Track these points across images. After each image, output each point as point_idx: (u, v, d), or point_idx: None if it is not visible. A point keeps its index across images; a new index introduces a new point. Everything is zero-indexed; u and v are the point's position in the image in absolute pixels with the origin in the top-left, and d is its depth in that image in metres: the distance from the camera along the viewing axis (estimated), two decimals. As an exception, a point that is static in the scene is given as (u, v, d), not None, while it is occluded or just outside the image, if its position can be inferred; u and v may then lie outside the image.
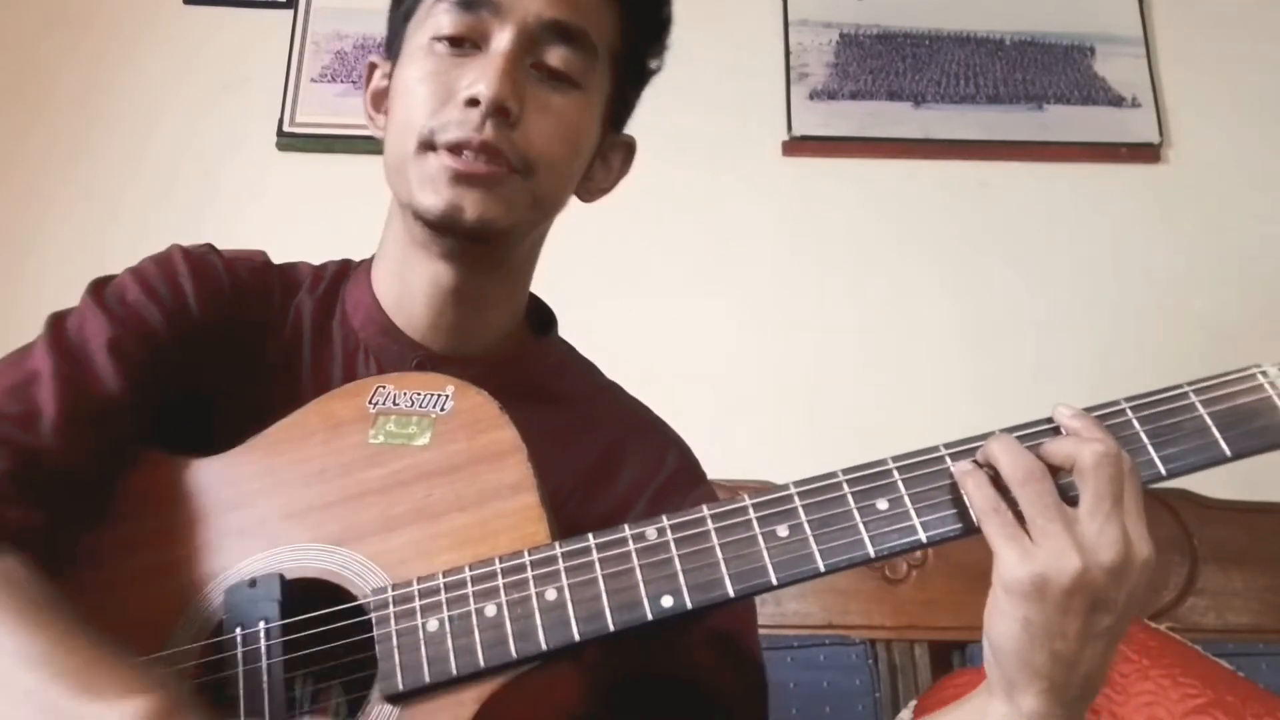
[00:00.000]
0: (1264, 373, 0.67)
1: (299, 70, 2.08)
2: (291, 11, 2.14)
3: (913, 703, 1.55)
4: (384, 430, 0.71)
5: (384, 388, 0.73)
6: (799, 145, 2.06)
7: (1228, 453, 0.65)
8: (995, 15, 2.15)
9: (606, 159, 0.91)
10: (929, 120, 2.07)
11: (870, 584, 1.72)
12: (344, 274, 0.90)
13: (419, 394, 0.72)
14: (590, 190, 0.92)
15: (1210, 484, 1.81)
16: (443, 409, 0.71)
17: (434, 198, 0.76)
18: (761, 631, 1.80)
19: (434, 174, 0.76)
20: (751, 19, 2.13)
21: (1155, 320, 1.91)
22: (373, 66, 0.89)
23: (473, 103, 0.75)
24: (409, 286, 0.84)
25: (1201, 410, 0.66)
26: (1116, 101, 2.08)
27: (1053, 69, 2.10)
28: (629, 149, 0.94)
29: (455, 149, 0.75)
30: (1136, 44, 2.11)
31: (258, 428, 0.75)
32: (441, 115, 0.76)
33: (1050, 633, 0.59)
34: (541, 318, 0.94)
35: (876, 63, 2.11)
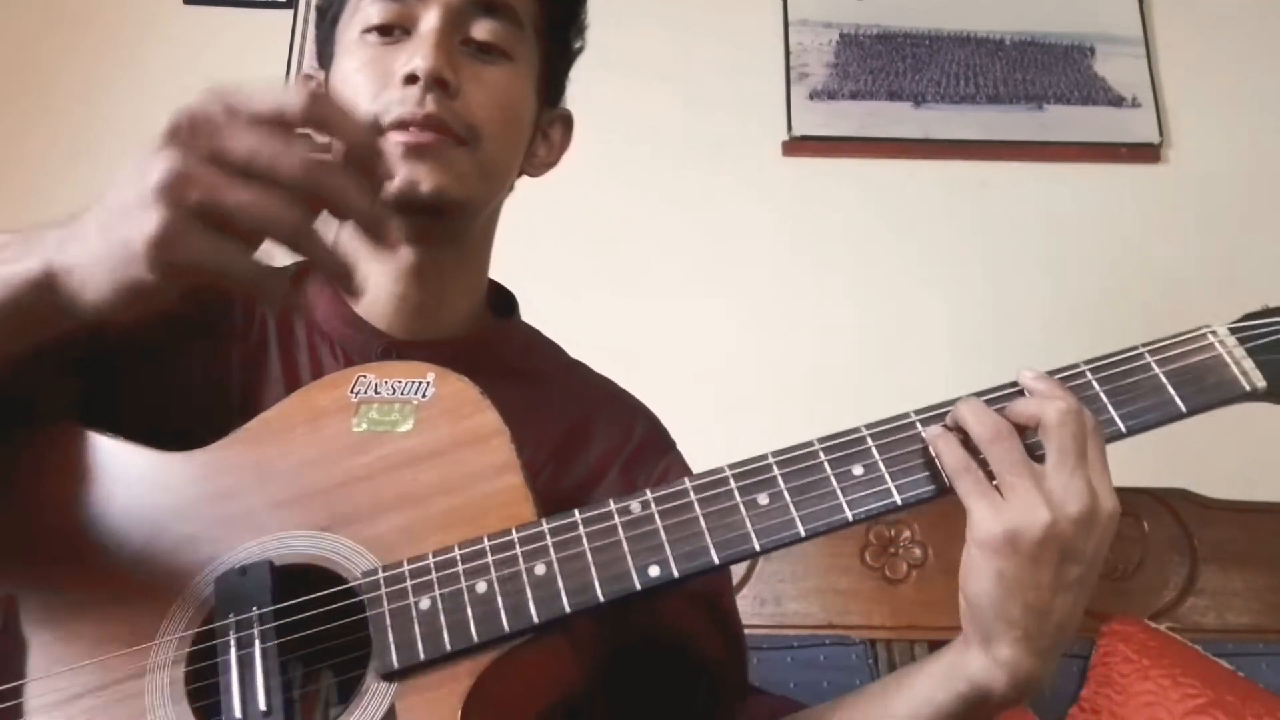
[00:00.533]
0: (1213, 332, 0.70)
1: (299, 70, 2.08)
2: (291, 11, 2.14)
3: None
4: (367, 418, 0.72)
5: (365, 377, 0.74)
6: (799, 145, 2.06)
7: (1183, 409, 0.67)
8: (995, 15, 2.15)
9: (547, 134, 0.93)
10: (929, 120, 2.07)
11: (870, 584, 1.72)
12: (304, 275, 0.90)
13: (400, 382, 0.73)
14: (535, 165, 0.93)
15: (1210, 484, 1.81)
16: (424, 395, 0.72)
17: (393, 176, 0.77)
18: (761, 631, 1.79)
19: (391, 154, 0.77)
20: (751, 19, 2.13)
21: (1155, 320, 1.91)
22: (307, 78, 0.92)
23: (411, 79, 0.78)
24: (371, 275, 0.84)
25: (1157, 369, 0.68)
26: (1116, 101, 2.08)
27: (1053, 69, 2.10)
28: (567, 122, 0.95)
29: (401, 126, 0.78)
30: (1136, 44, 2.11)
31: (226, 426, 0.75)
32: (383, 98, 0.79)
33: (1023, 584, 0.62)
34: (502, 301, 0.96)
35: (876, 63, 2.11)
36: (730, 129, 2.06)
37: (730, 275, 1.98)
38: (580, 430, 0.88)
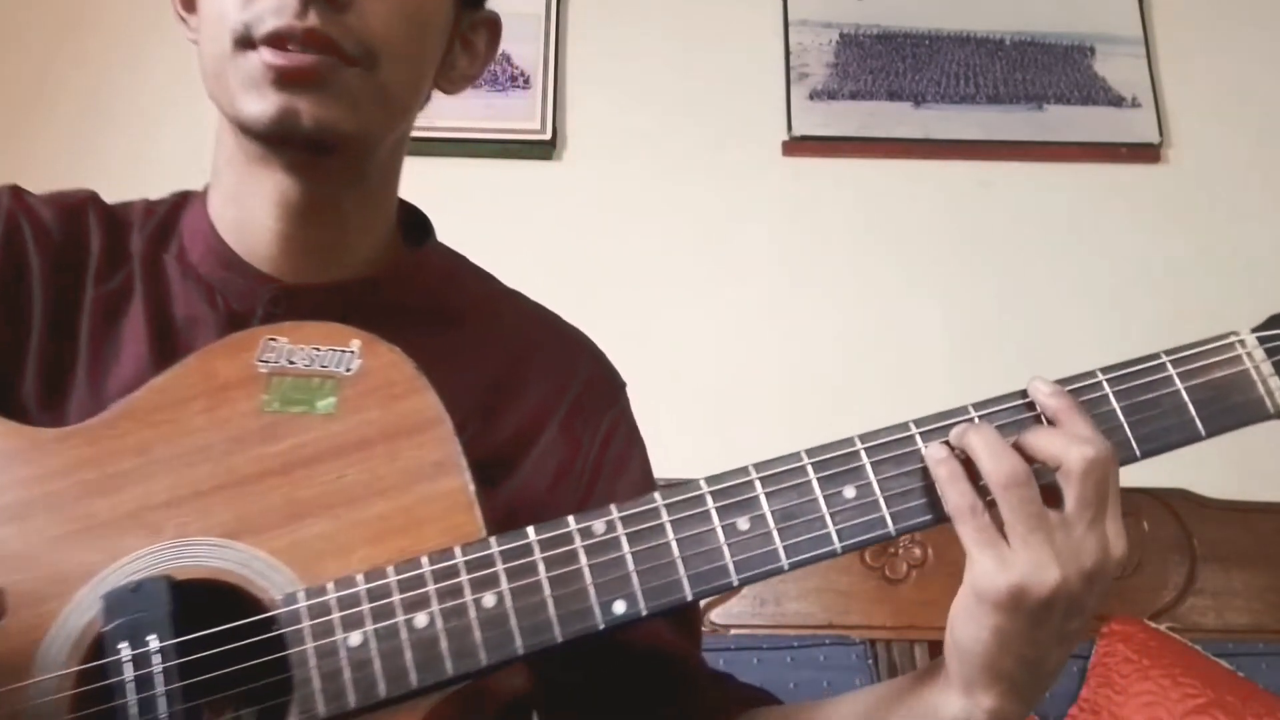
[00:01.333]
0: (1242, 342, 0.63)
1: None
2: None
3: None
4: (279, 395, 0.60)
5: (275, 341, 0.62)
6: (799, 145, 2.06)
7: (1203, 433, 0.62)
8: (995, 15, 2.15)
9: (469, 41, 0.78)
10: (929, 120, 2.07)
11: (870, 584, 1.72)
12: (182, 205, 0.78)
13: (318, 350, 0.61)
14: (454, 79, 0.78)
15: (1210, 484, 1.81)
16: (348, 369, 0.61)
17: (260, 104, 0.64)
18: (761, 631, 1.79)
19: (256, 75, 0.64)
20: (751, 19, 2.13)
21: (1156, 321, 1.91)
22: None
23: None
24: (249, 211, 0.72)
25: (1179, 384, 0.62)
26: (1116, 101, 2.08)
27: (1053, 69, 2.10)
28: (494, 27, 0.80)
29: (276, 42, 0.63)
30: (1136, 44, 2.11)
31: (72, 387, 0.66)
32: (256, 4, 0.64)
33: (1022, 640, 0.56)
34: (414, 223, 0.82)
35: (876, 63, 2.11)
36: (730, 129, 2.06)
37: (730, 275, 1.98)
38: (510, 377, 0.76)
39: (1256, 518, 1.79)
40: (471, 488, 0.59)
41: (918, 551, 1.73)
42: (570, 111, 2.08)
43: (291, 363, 0.61)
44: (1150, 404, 0.61)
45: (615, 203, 2.03)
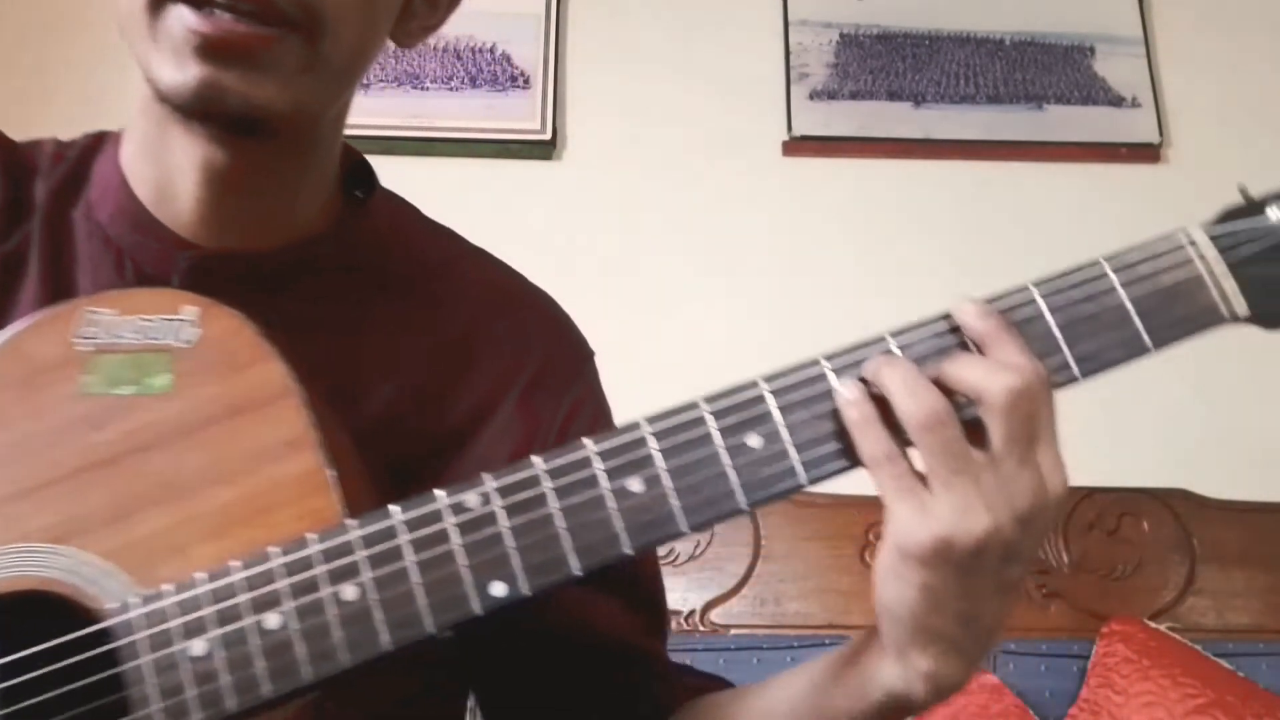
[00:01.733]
0: (1192, 242, 0.57)
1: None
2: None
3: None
4: (103, 375, 0.53)
5: (96, 314, 0.54)
6: (799, 145, 2.06)
7: (1149, 345, 0.54)
8: (995, 15, 2.15)
9: None
10: (929, 120, 2.07)
11: (870, 584, 1.72)
12: (94, 149, 0.68)
13: (148, 321, 0.54)
14: (411, 32, 0.69)
15: (1210, 484, 1.81)
16: (185, 340, 0.53)
17: (178, 74, 0.55)
18: (761, 631, 1.78)
19: (176, 40, 0.54)
20: (751, 19, 2.13)
21: (1155, 320, 1.91)
22: None
23: None
24: (169, 171, 0.62)
25: (1121, 293, 0.54)
26: (1116, 101, 2.08)
27: (1053, 69, 2.10)
28: None
29: (199, 2, 0.54)
30: (1136, 44, 2.11)
31: None
32: None
33: (953, 595, 0.50)
34: (356, 176, 0.71)
35: (876, 63, 2.12)
36: (730, 129, 2.06)
37: (730, 275, 1.98)
38: (466, 345, 0.68)
39: (1256, 518, 1.79)
40: (328, 468, 0.51)
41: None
42: (570, 111, 2.08)
43: (118, 338, 0.53)
44: (1090, 319, 0.54)
45: (615, 202, 2.03)
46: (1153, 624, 1.67)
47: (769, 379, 0.53)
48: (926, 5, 2.15)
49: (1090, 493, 1.77)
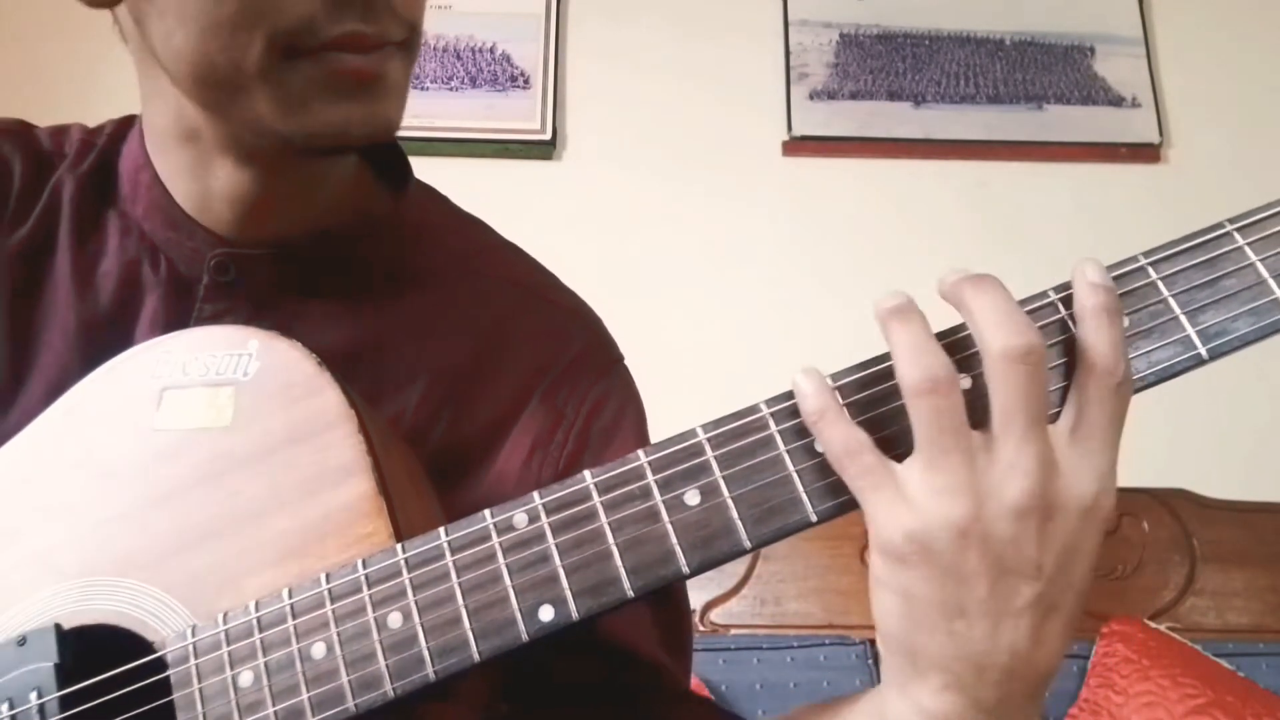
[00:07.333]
0: None
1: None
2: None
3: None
4: (173, 410, 0.55)
5: (170, 352, 0.56)
6: (799, 145, 2.06)
7: None
8: (995, 15, 2.15)
9: None
10: (929, 120, 2.07)
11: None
12: (119, 138, 0.67)
13: (214, 357, 0.55)
14: None
15: (1210, 484, 1.81)
16: (245, 373, 0.55)
17: (310, 120, 0.54)
18: (761, 631, 1.78)
19: (316, 85, 0.53)
20: (751, 19, 2.13)
21: (1155, 320, 1.91)
22: None
23: None
24: (210, 188, 0.61)
25: (1253, 257, 0.46)
26: (1116, 101, 2.08)
27: (1053, 69, 2.10)
28: None
29: (354, 46, 0.53)
30: (1136, 44, 2.11)
31: None
32: (295, 5, 0.52)
33: (942, 607, 0.43)
34: (389, 164, 0.70)
35: (876, 63, 2.12)
36: (730, 129, 2.06)
37: (730, 275, 1.98)
38: (494, 344, 0.66)
39: (1256, 518, 1.80)
40: (380, 492, 0.52)
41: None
42: (570, 111, 2.08)
43: (185, 373, 0.56)
44: (1211, 284, 0.47)
45: (615, 203, 2.03)
46: (1153, 624, 1.67)
47: (834, 377, 0.49)
48: (926, 5, 2.15)
49: (1090, 493, 1.77)
